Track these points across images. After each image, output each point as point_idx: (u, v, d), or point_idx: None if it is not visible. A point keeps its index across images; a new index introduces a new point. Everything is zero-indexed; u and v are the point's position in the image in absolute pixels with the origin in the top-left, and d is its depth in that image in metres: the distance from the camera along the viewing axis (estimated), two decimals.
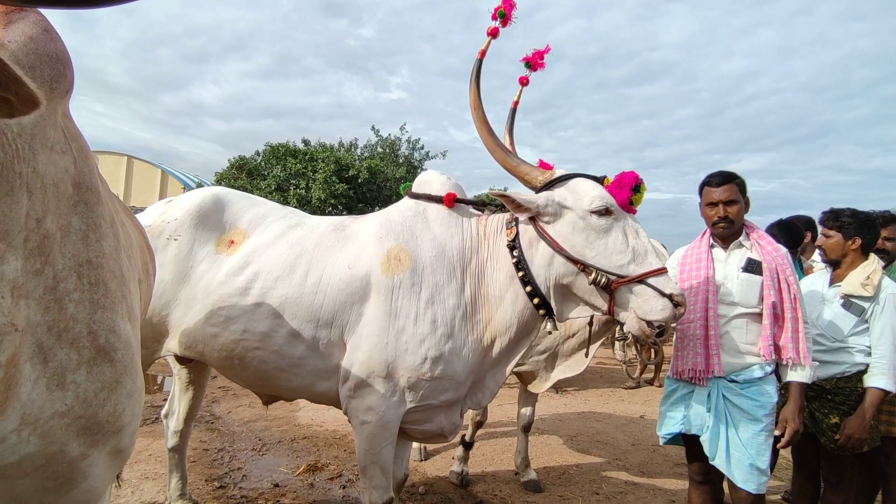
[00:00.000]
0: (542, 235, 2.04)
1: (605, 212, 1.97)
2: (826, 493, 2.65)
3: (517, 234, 2.13)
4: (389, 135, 20.06)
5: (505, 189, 2.22)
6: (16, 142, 0.76)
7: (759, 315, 2.21)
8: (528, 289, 2.08)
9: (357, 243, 2.28)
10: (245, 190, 20.06)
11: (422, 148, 19.96)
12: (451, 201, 2.28)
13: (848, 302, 2.58)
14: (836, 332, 2.58)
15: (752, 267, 2.22)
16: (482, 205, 2.38)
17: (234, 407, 5.20)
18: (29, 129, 0.79)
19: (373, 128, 20.14)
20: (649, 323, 1.90)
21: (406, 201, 2.40)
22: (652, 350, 6.60)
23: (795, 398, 2.14)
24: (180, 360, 2.73)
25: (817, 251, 3.48)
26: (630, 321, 1.93)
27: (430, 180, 2.41)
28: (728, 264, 2.30)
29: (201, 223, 2.37)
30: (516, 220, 2.16)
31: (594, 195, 1.99)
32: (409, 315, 2.11)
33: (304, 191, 17.44)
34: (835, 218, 2.67)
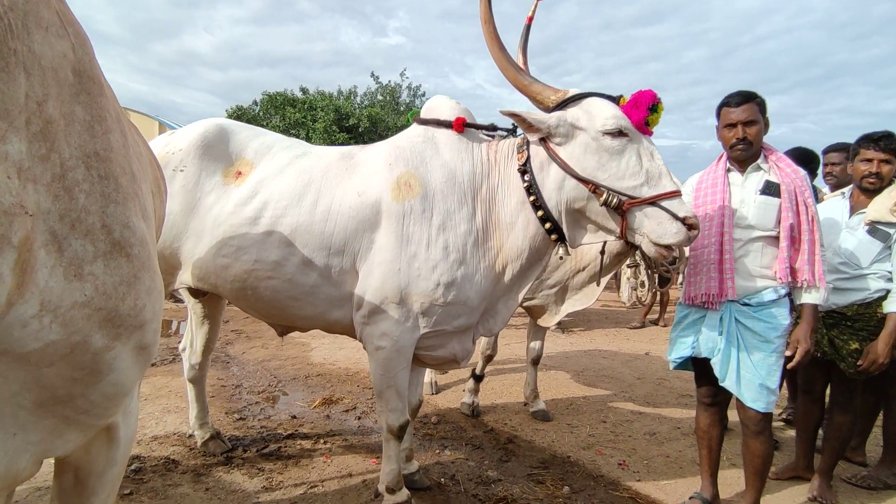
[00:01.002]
0: (554, 157, 1.99)
1: (618, 133, 1.91)
2: (835, 414, 2.71)
3: (528, 157, 2.08)
4: (390, 81, 19.55)
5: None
6: (7, 15, 0.73)
7: (776, 238, 2.19)
8: (540, 213, 2.06)
9: (366, 171, 2.24)
10: None
11: (423, 95, 19.46)
12: (461, 126, 2.22)
13: (874, 228, 2.55)
14: (860, 259, 2.57)
15: (771, 189, 2.18)
16: (493, 129, 2.31)
17: (247, 348, 5.32)
18: (21, 4, 0.75)
19: (372, 74, 19.72)
20: (663, 246, 1.88)
21: (415, 128, 2.34)
22: (658, 292, 6.64)
23: (808, 319, 2.15)
24: (194, 293, 2.76)
25: (824, 181, 3.42)
26: (644, 243, 1.91)
27: (439, 106, 2.34)
28: (745, 188, 2.25)
29: (206, 153, 2.33)
30: (527, 143, 2.11)
31: (608, 115, 1.92)
32: (421, 241, 2.10)
33: (304, 140, 17.24)
34: (889, 139, 2.53)
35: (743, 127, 2.21)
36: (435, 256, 2.09)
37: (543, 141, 2.03)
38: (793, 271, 2.16)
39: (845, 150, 3.20)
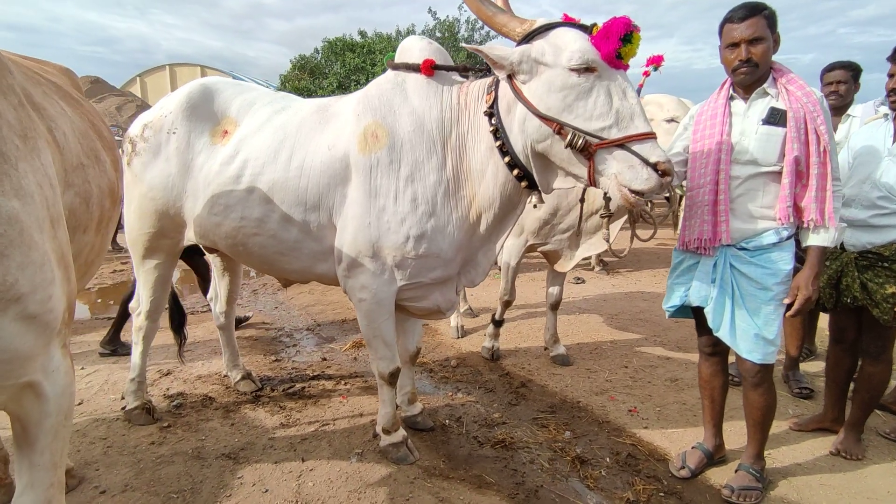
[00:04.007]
0: (519, 97, 1.84)
1: (585, 69, 1.73)
2: (865, 364, 2.46)
3: (496, 98, 1.96)
4: (448, 16, 18.75)
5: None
6: None
7: (779, 174, 1.93)
8: (507, 159, 1.95)
9: (337, 123, 2.22)
10: (308, 90, 20.11)
11: (482, 28, 18.53)
12: (429, 68, 2.11)
13: None
14: None
15: (775, 117, 1.90)
16: (465, 70, 2.18)
17: (295, 294, 5.66)
18: None
19: (429, 10, 18.87)
20: (633, 192, 1.72)
21: (387, 73, 2.27)
22: None
23: (812, 264, 1.91)
24: (208, 249, 2.95)
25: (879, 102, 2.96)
26: (612, 189, 1.76)
27: (409, 47, 2.23)
28: (748, 117, 1.98)
29: (193, 114, 2.41)
30: (497, 84, 1.97)
31: (573, 49, 1.73)
32: (389, 194, 2.08)
33: (364, 86, 17.23)
34: None
35: (747, 46, 1.92)
36: (403, 209, 2.07)
37: (510, 79, 1.89)
38: (798, 210, 1.92)
39: (850, 69, 3.07)
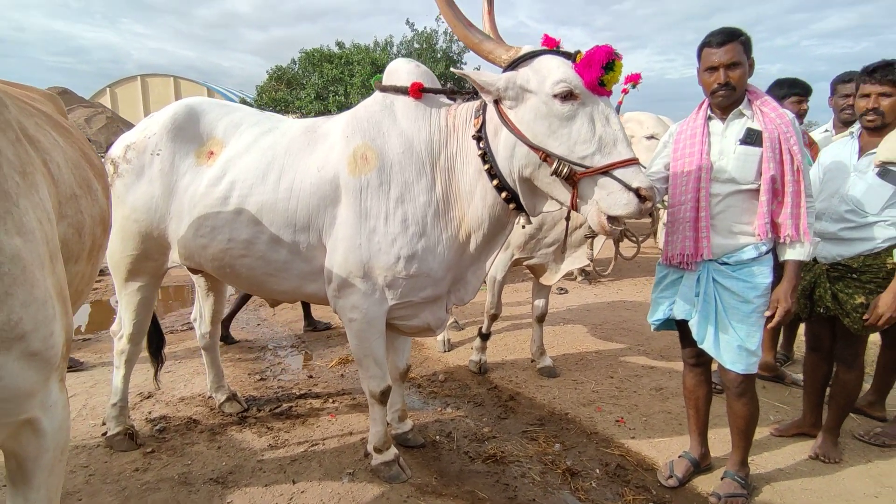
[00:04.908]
0: (505, 122, 1.89)
1: (569, 96, 1.78)
2: (839, 371, 2.56)
3: (483, 122, 2.00)
4: (425, 28, 18.89)
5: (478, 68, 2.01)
6: None
7: (758, 192, 2.01)
8: (495, 182, 1.99)
9: (326, 144, 2.23)
10: (285, 101, 19.93)
11: (459, 40, 18.71)
12: (418, 91, 2.15)
13: (885, 170, 2.29)
14: (870, 205, 2.33)
15: (752, 138, 1.99)
16: (452, 93, 2.22)
17: (277, 309, 5.59)
18: None
19: (407, 21, 18.97)
20: (610, 218, 1.77)
21: (375, 95, 2.29)
22: None
23: (790, 277, 2.00)
24: (192, 269, 2.92)
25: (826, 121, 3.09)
26: (591, 215, 1.80)
27: (397, 70, 2.26)
28: (725, 137, 2.07)
29: (178, 135, 2.39)
30: (484, 107, 2.02)
31: (556, 78, 1.78)
32: (380, 215, 2.10)
33: (342, 97, 17.16)
34: (888, 69, 2.25)
35: (725, 70, 2.01)
36: (394, 230, 2.09)
37: (497, 104, 1.93)
38: (775, 226, 2.00)
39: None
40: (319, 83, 17.82)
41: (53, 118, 1.53)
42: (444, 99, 2.24)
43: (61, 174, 1.33)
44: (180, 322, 5.12)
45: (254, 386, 3.63)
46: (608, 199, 1.74)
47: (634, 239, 2.62)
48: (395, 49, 19.76)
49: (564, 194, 1.84)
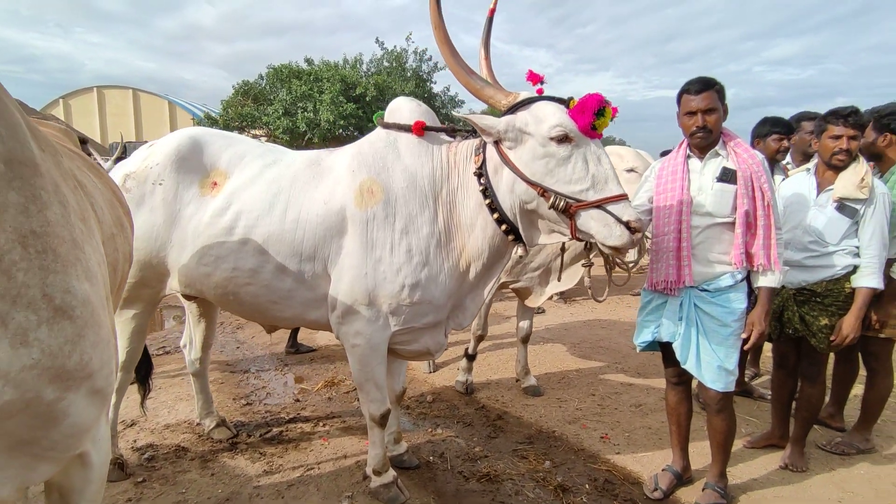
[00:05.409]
0: (506, 161, 2.05)
1: (564, 138, 1.95)
2: (804, 386, 2.78)
3: (483, 160, 2.14)
4: (395, 46, 19.17)
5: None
6: None
7: (733, 224, 2.22)
8: (496, 216, 2.13)
9: (331, 178, 2.32)
10: (252, 117, 19.67)
11: (430, 59, 19.04)
12: (421, 129, 2.27)
13: (842, 205, 2.55)
14: (830, 236, 2.57)
15: (727, 176, 2.20)
16: (453, 131, 2.36)
17: (256, 332, 5.55)
18: None
19: (377, 40, 19.19)
20: (609, 248, 1.96)
21: (378, 132, 2.40)
22: None
23: (763, 302, 2.21)
24: (187, 296, 2.92)
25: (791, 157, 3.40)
26: (598, 244, 1.99)
27: (399, 108, 2.38)
28: (703, 175, 2.28)
29: (182, 166, 2.43)
30: (484, 146, 2.16)
31: (553, 122, 1.96)
32: (385, 245, 2.19)
33: (311, 114, 17.11)
34: (857, 115, 2.50)
35: (703, 115, 2.22)
36: (399, 260, 2.19)
37: (497, 144, 2.08)
38: (749, 256, 2.21)
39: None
40: (288, 99, 17.73)
41: (84, 158, 1.57)
42: (444, 136, 2.37)
43: (104, 216, 1.38)
44: (155, 347, 5.02)
45: (240, 411, 3.61)
46: (604, 230, 1.92)
47: (625, 266, 2.80)
48: (364, 67, 19.90)
49: (564, 226, 2.02)
